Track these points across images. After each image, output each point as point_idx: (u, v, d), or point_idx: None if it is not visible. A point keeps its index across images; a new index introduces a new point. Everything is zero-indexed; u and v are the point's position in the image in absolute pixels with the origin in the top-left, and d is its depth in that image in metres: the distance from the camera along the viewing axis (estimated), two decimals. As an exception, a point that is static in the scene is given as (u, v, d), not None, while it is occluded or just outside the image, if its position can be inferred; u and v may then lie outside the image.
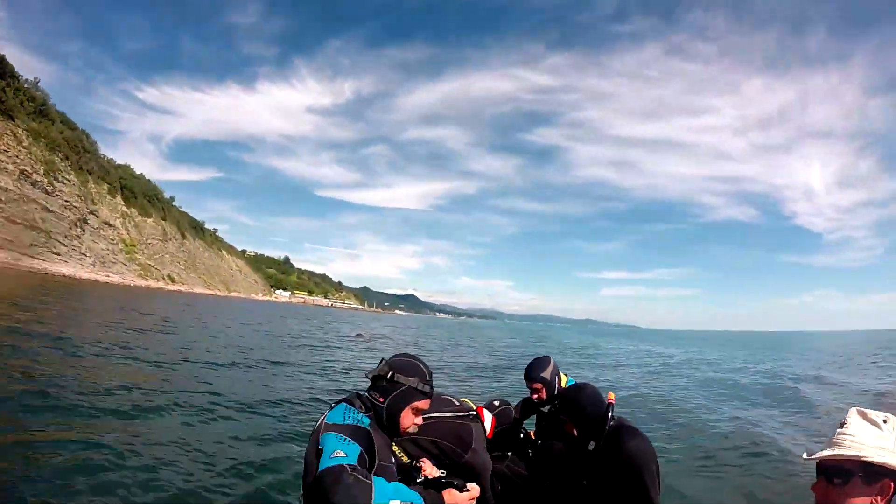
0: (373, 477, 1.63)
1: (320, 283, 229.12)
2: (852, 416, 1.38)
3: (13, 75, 44.80)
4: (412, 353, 2.06)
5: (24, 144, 44.88)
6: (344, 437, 1.70)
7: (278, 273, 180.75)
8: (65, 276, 48.94)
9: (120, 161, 71.28)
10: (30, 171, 46.44)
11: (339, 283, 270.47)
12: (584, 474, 2.43)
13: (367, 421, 1.82)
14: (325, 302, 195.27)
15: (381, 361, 1.97)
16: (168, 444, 5.27)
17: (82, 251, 59.46)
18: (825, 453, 1.34)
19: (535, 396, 3.17)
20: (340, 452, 1.63)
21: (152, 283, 76.39)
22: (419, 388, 1.90)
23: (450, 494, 1.90)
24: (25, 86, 47.49)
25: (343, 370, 13.10)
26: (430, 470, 2.15)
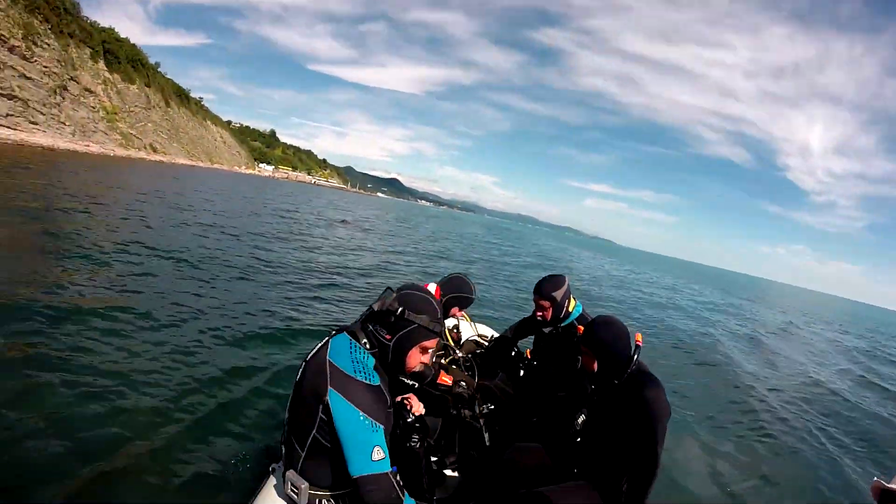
0: (406, 495, 1.73)
1: (305, 160, 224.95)
2: None
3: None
4: (418, 286, 1.94)
5: (0, 7, 41.36)
6: (371, 420, 1.67)
7: (263, 146, 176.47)
8: (42, 147, 47.47)
9: (104, 24, 65.80)
10: (7, 35, 43.25)
11: (324, 160, 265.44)
12: (589, 410, 2.43)
13: (371, 364, 1.79)
14: (308, 178, 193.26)
15: (385, 291, 1.88)
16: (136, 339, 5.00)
17: (61, 120, 57.18)
18: None
19: (540, 314, 3.06)
20: (381, 453, 1.65)
21: (133, 153, 74.18)
22: (430, 326, 1.82)
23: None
24: (0, -60, 42.76)
25: (329, 264, 12.61)
26: (417, 407, 2.17)
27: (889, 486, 1.27)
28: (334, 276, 11.10)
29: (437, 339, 1.89)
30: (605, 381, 2.29)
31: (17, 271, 6.47)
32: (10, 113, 47.35)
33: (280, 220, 21.81)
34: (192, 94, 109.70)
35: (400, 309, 1.78)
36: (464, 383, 2.90)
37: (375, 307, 1.83)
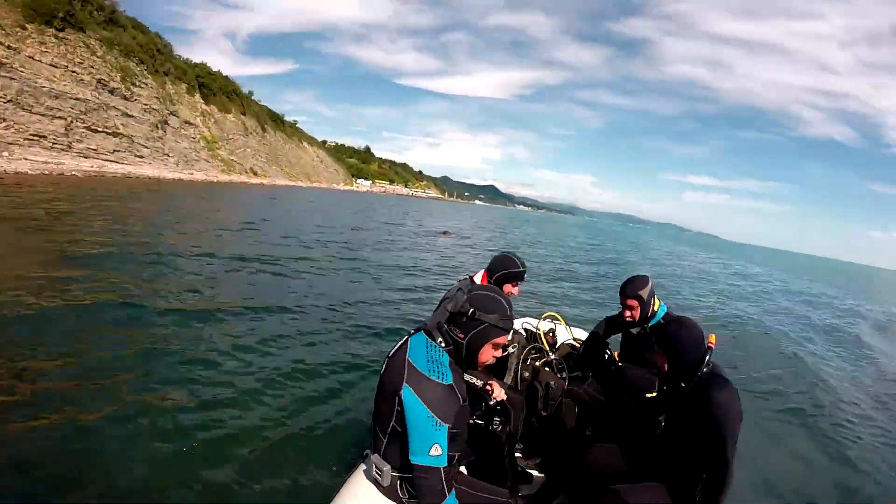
0: (452, 492, 1.86)
1: (400, 172, 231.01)
2: None
3: (80, -14, 44.81)
4: (490, 286, 2.14)
5: (98, 54, 45.85)
6: (436, 418, 1.84)
7: (359, 162, 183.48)
8: (149, 177, 51.85)
9: (196, 60, 71.46)
10: (106, 79, 47.80)
11: (420, 172, 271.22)
12: (664, 413, 2.45)
13: (446, 361, 1.96)
14: (405, 191, 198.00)
15: (458, 292, 2.05)
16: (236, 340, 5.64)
17: (165, 152, 62.33)
18: None
19: (628, 315, 3.13)
20: (438, 450, 1.82)
21: (235, 178, 79.92)
22: (500, 324, 1.97)
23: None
24: (92, -4, 47.57)
25: (428, 269, 13.61)
26: (498, 392, 2.45)
27: None
28: (439, 279, 11.85)
29: (508, 334, 2.01)
30: (674, 382, 2.28)
31: (156, 279, 7.87)
32: (117, 149, 52.57)
33: (383, 232, 23.27)
34: (287, 118, 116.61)
35: (471, 309, 1.95)
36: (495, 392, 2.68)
37: (449, 307, 2.01)
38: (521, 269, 3.11)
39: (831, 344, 12.68)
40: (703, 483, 2.10)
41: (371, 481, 2.10)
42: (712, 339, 2.25)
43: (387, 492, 2.04)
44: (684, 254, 46.62)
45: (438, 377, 1.90)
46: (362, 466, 2.23)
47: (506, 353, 3.10)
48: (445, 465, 1.84)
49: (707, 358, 2.18)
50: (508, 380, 3.14)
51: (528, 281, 12.99)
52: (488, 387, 2.41)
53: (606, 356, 3.48)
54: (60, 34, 39.95)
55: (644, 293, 3.05)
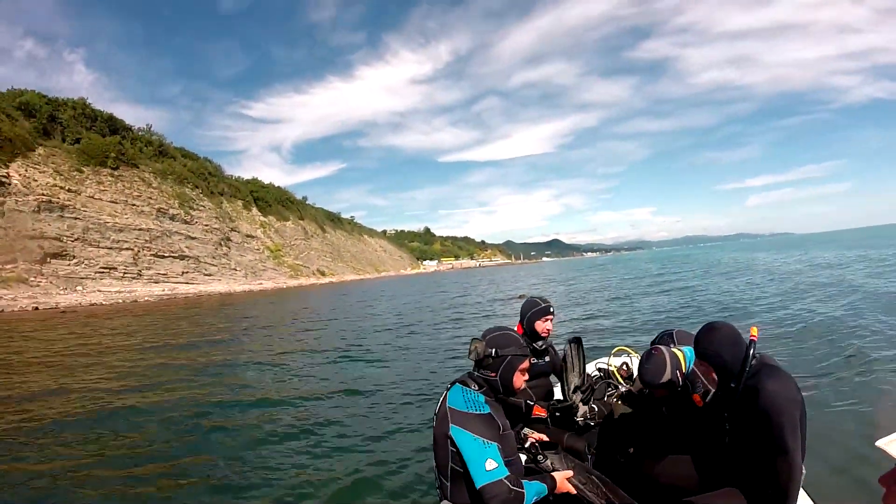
0: (525, 484, 2.02)
1: (463, 246, 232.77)
2: None
3: (126, 128, 48.81)
4: (497, 326, 2.38)
5: (153, 185, 48.99)
6: (483, 440, 2.02)
7: (421, 245, 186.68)
8: (220, 293, 53.34)
9: (247, 177, 75.91)
10: (165, 207, 50.74)
11: (482, 241, 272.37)
12: (726, 417, 2.36)
13: (482, 399, 2.16)
14: (472, 263, 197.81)
15: (471, 342, 2.27)
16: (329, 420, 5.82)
17: (232, 266, 64.66)
18: None
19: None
20: (493, 463, 1.97)
21: (304, 280, 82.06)
22: (519, 352, 2.24)
23: (559, 476, 2.25)
24: (140, 133, 51.57)
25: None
26: (538, 436, 2.82)
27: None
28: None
29: (528, 358, 2.30)
30: (727, 384, 2.23)
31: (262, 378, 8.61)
32: (185, 270, 54.98)
33: (458, 306, 23.42)
34: (344, 215, 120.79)
35: (493, 350, 2.22)
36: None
37: (472, 357, 2.26)
38: (544, 304, 3.39)
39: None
40: (772, 479, 2.04)
41: None
42: (754, 331, 2.19)
43: None
44: (754, 261, 43.15)
45: (477, 410, 2.12)
46: None
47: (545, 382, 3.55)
48: (507, 473, 1.98)
49: (751, 351, 2.13)
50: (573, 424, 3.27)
51: (597, 317, 14.08)
52: (525, 436, 2.73)
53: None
54: (116, 172, 43.09)
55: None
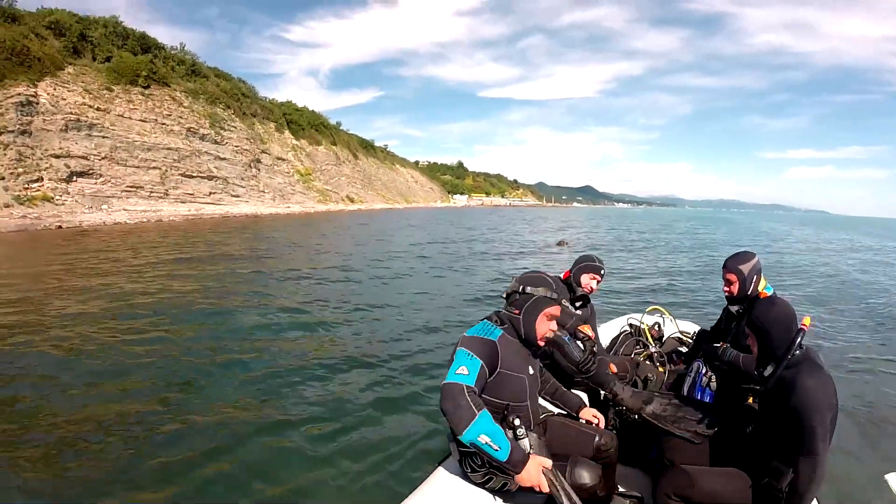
0: (483, 411, 1.86)
1: (496, 184, 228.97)
2: None
3: (159, 46, 47.92)
4: (537, 269, 2.30)
5: (184, 105, 48.80)
6: (469, 352, 1.98)
7: (453, 178, 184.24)
8: (246, 215, 54.27)
9: (282, 100, 74.85)
10: (196, 126, 50.76)
11: (515, 180, 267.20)
12: (756, 398, 2.52)
13: (498, 333, 2.11)
14: (503, 202, 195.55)
15: (512, 279, 2.24)
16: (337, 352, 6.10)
17: (260, 189, 65.24)
18: None
19: (726, 289, 3.12)
20: (464, 369, 1.93)
21: (332, 206, 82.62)
22: (549, 295, 2.14)
23: (534, 459, 1.94)
24: (173, 52, 50.70)
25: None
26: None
27: None
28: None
29: (559, 306, 2.19)
30: (764, 365, 2.17)
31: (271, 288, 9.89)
32: (213, 191, 55.73)
33: (501, 244, 23.24)
34: (377, 143, 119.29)
35: (521, 286, 2.16)
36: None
37: (504, 294, 2.22)
38: (597, 263, 3.46)
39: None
40: (792, 477, 1.95)
41: (451, 469, 2.21)
42: (806, 321, 2.11)
43: (457, 470, 2.18)
44: (789, 234, 42.19)
45: (484, 334, 2.07)
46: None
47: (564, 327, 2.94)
48: (471, 384, 1.90)
49: (799, 340, 2.05)
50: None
51: (637, 277, 13.81)
52: (579, 331, 2.76)
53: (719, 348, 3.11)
54: (146, 91, 42.88)
55: (745, 268, 3.01)
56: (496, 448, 1.81)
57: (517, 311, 2.14)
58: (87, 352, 5.89)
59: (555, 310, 2.16)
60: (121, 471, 3.51)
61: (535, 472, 1.90)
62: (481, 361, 1.96)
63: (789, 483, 1.98)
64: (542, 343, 2.21)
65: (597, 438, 2.34)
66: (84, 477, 3.44)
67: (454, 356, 2.00)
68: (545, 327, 2.15)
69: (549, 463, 1.97)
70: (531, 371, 2.22)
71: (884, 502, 3.26)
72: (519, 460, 1.87)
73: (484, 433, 1.81)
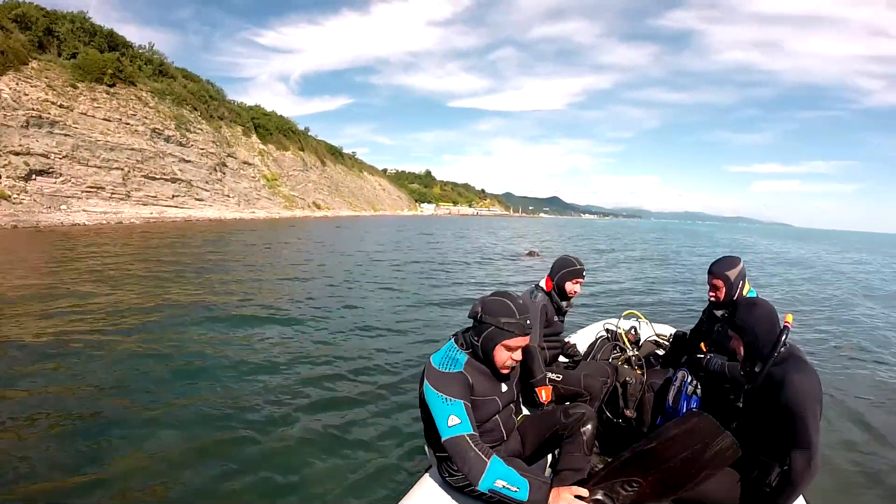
0: (493, 457, 1.88)
1: (463, 193, 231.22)
2: None
3: (126, 45, 47.05)
4: (504, 291, 2.16)
5: (150, 105, 47.94)
6: (445, 396, 1.96)
7: (421, 187, 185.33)
8: (210, 219, 53.39)
9: (251, 104, 74.16)
10: (161, 127, 49.87)
11: (483, 190, 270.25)
12: (741, 398, 2.47)
13: (463, 360, 2.09)
14: (470, 211, 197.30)
15: (476, 302, 2.14)
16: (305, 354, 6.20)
17: (225, 193, 64.26)
18: None
19: (712, 295, 3.12)
20: (454, 419, 1.91)
21: (298, 213, 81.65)
22: (506, 327, 2.02)
23: (556, 493, 1.87)
24: (141, 51, 49.88)
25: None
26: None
27: None
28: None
29: (519, 337, 2.06)
30: (750, 364, 2.23)
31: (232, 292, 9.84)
32: (176, 194, 54.53)
33: (464, 255, 22.57)
34: (347, 151, 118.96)
35: (479, 314, 2.06)
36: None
37: (469, 315, 2.13)
38: (578, 265, 3.41)
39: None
40: (786, 470, 1.99)
41: (433, 477, 2.27)
42: (789, 318, 2.17)
43: (437, 477, 2.23)
44: (754, 245, 44.50)
45: (449, 368, 2.05)
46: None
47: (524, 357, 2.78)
48: (470, 431, 1.90)
49: (783, 338, 2.10)
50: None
51: (610, 282, 14.12)
52: (537, 391, 2.85)
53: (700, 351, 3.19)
54: (112, 90, 42.01)
55: (731, 274, 3.02)
56: (514, 489, 1.82)
57: (477, 338, 2.07)
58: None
59: (515, 341, 2.04)
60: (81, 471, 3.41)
61: (560, 499, 1.85)
62: (462, 402, 1.96)
63: (780, 476, 2.03)
64: (505, 371, 2.15)
65: (559, 414, 2.31)
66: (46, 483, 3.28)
67: (428, 399, 1.99)
68: (503, 357, 2.07)
69: (584, 492, 1.87)
70: (504, 388, 2.21)
71: (864, 494, 3.60)
72: (540, 497, 1.84)
73: (499, 478, 1.83)
